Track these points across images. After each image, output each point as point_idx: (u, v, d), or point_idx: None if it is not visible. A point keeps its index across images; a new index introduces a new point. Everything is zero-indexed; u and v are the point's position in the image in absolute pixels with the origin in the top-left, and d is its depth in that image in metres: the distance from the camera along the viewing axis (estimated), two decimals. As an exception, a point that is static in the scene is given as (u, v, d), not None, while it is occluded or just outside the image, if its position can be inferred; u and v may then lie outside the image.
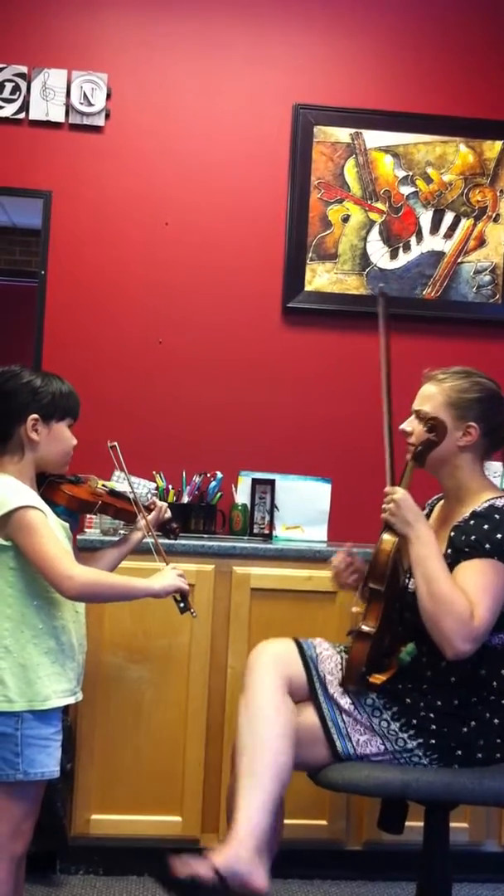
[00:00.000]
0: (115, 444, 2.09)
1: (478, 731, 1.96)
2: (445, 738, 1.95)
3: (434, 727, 1.95)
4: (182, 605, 2.02)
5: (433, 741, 1.94)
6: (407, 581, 2.05)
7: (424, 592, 1.90)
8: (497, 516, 1.96)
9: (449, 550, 1.98)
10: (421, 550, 1.93)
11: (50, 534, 1.85)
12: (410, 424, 2.10)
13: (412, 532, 1.94)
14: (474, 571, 1.91)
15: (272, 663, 2.02)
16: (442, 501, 2.18)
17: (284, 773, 1.89)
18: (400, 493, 1.96)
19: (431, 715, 1.96)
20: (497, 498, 2.01)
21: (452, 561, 1.95)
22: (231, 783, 1.98)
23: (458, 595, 1.87)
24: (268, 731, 1.91)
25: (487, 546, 1.92)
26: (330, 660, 2.06)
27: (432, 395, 2.05)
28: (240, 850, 1.77)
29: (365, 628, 1.94)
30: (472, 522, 1.97)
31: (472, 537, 1.94)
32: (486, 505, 1.99)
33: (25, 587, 1.86)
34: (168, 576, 2.01)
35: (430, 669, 1.99)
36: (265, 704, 1.95)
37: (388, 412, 2.03)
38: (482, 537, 1.93)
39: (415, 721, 1.96)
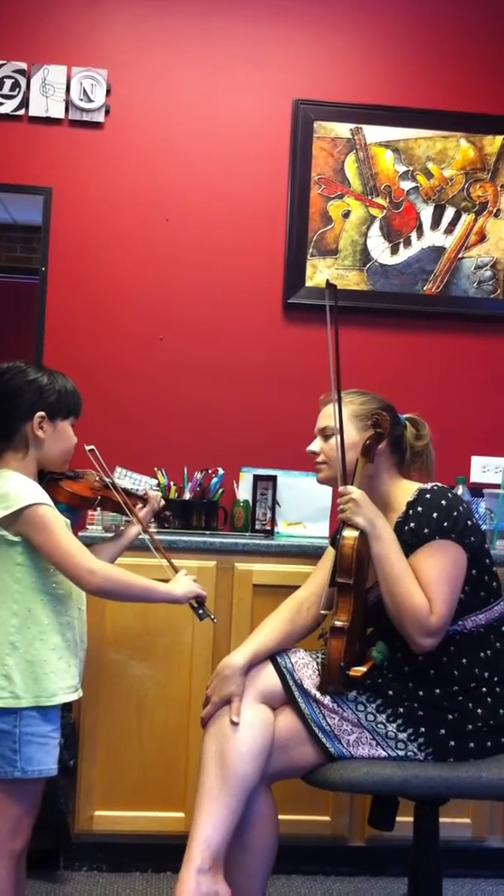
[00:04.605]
0: (94, 447, 2.07)
1: (463, 721, 1.96)
2: (434, 727, 1.95)
3: (421, 713, 1.96)
4: (200, 611, 2.04)
5: (422, 729, 1.94)
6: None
7: (385, 592, 1.95)
8: (428, 496, 2.02)
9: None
10: (381, 549, 1.96)
11: (64, 529, 1.87)
12: (317, 445, 2.16)
13: (373, 529, 1.96)
14: (425, 562, 1.95)
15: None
16: None
17: (247, 786, 1.90)
18: (357, 492, 1.99)
19: (416, 704, 1.97)
20: (423, 485, 2.07)
21: (405, 555, 1.98)
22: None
23: (416, 594, 1.91)
24: (232, 748, 1.91)
25: (426, 531, 1.97)
26: (307, 666, 2.04)
27: (335, 413, 2.06)
28: (199, 876, 1.80)
29: (338, 623, 1.95)
30: (409, 513, 2.02)
31: (413, 525, 1.99)
32: (415, 494, 2.05)
33: (32, 583, 1.86)
34: (185, 581, 2.03)
35: (406, 664, 2.00)
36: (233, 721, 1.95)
37: (339, 409, 2.04)
38: (422, 522, 1.98)
39: (401, 710, 1.96)
